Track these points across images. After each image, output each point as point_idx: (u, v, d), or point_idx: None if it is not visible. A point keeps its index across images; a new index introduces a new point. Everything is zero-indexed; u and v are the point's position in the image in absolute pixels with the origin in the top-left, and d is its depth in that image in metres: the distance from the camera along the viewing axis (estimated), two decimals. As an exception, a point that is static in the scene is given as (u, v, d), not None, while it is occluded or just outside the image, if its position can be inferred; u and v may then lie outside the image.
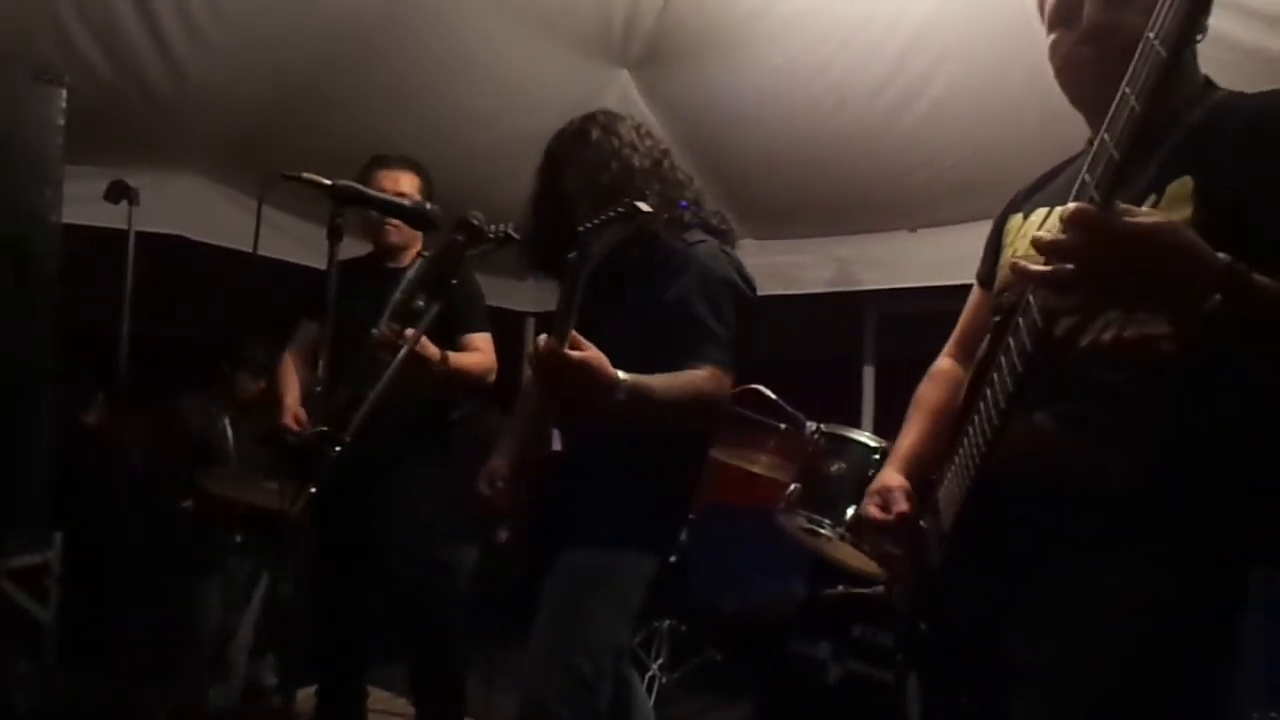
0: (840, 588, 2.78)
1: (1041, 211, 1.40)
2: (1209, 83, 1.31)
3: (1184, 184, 1.17)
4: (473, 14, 3.21)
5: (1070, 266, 0.97)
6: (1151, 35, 0.96)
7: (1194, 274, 0.97)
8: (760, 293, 4.58)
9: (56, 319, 2.57)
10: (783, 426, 3.05)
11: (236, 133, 3.49)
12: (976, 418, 1.28)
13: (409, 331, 2.08)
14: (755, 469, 3.36)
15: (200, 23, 2.93)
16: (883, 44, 3.16)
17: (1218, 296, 0.95)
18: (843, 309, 4.68)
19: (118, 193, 2.83)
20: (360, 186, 1.79)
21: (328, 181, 1.72)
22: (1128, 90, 0.98)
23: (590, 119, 2.04)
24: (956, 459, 1.36)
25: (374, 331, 2.36)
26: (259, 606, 3.42)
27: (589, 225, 1.55)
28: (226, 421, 3.83)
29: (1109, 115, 1.01)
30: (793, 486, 2.83)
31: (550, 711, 1.79)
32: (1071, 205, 0.98)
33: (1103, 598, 1.17)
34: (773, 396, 3.09)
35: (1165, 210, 1.16)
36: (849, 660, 2.71)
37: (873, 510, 1.49)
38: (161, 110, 3.21)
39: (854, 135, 3.54)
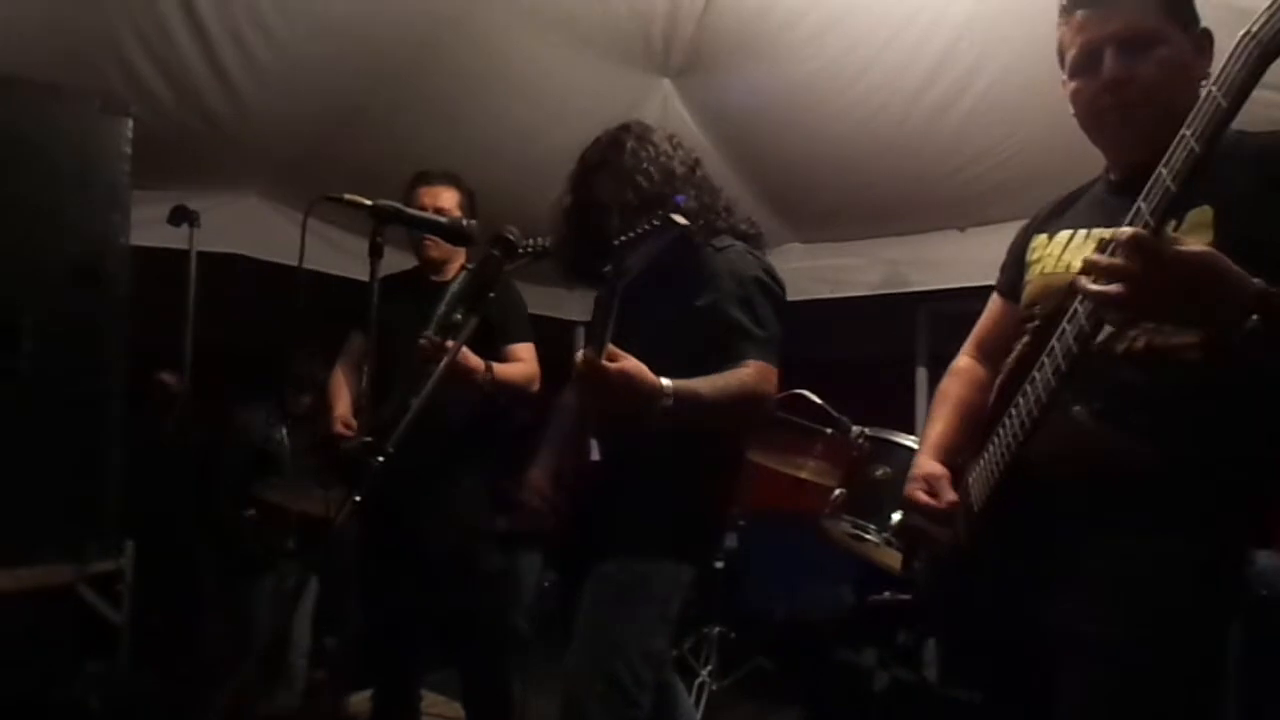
0: (887, 594, 2.76)
1: (1066, 233, 1.51)
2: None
3: (1204, 212, 1.29)
4: (515, 32, 3.28)
5: (1121, 287, 1.10)
6: (1215, 88, 1.10)
7: (1235, 297, 1.10)
8: (808, 296, 4.62)
9: (126, 338, 2.70)
10: (829, 431, 3.05)
11: (291, 155, 3.61)
12: (1014, 411, 1.38)
13: (450, 343, 2.13)
14: (801, 474, 3.36)
15: (255, 50, 3.05)
16: (924, 44, 3.15)
17: (1255, 317, 1.08)
18: (893, 311, 4.64)
19: (180, 216, 2.95)
20: (399, 206, 1.85)
21: (368, 201, 1.78)
22: (1188, 133, 1.12)
23: (624, 129, 2.06)
24: (989, 449, 1.45)
25: (421, 341, 2.42)
26: (312, 611, 3.51)
27: (625, 238, 1.56)
28: (284, 431, 3.95)
29: (1169, 153, 1.15)
30: (838, 491, 2.83)
31: (590, 718, 1.81)
32: (1127, 230, 1.12)
33: (1144, 568, 1.28)
34: (818, 401, 3.08)
35: (1187, 234, 1.26)
36: (895, 667, 2.69)
37: (921, 495, 1.56)
38: (220, 135, 3.35)
39: (898, 136, 3.52)
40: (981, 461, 1.48)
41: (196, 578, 3.54)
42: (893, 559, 2.76)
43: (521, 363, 2.76)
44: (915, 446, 2.71)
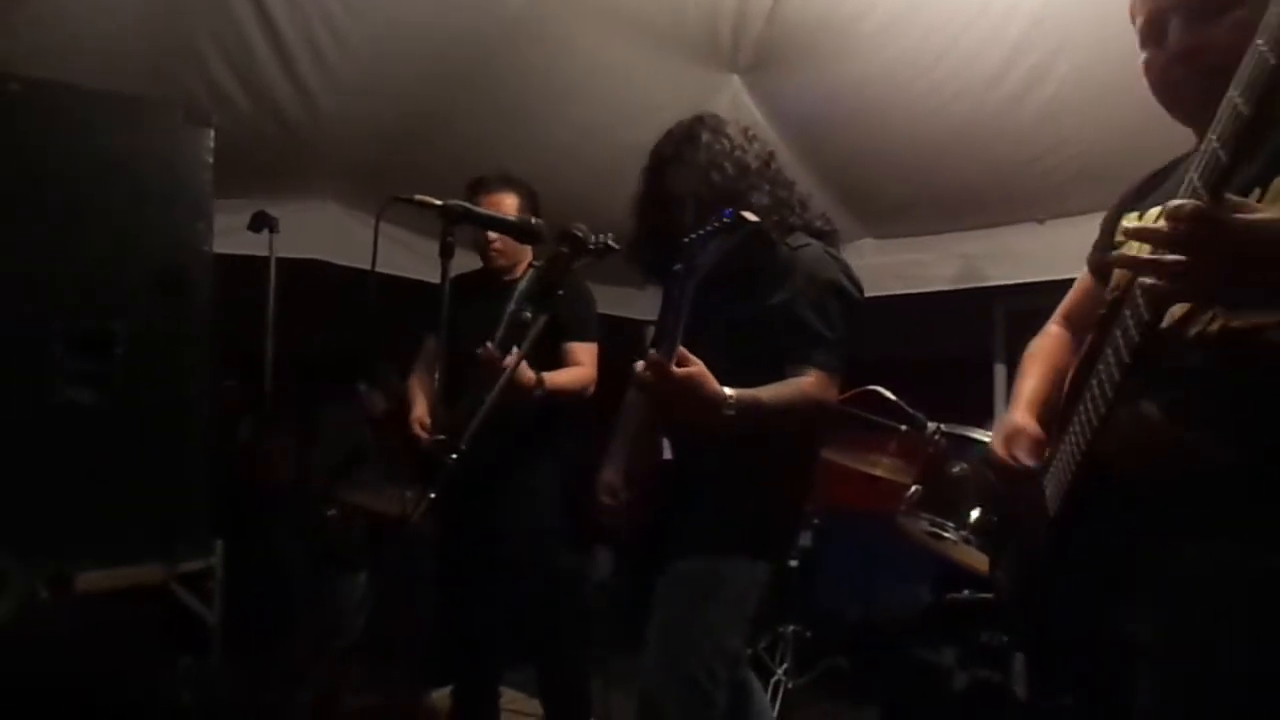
0: (965, 592, 2.70)
1: (1155, 211, 1.39)
2: None
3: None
4: (584, 31, 3.30)
5: (1177, 256, 1.01)
6: (1260, 43, 1.00)
7: None
8: (882, 292, 4.55)
9: (212, 343, 2.79)
10: (903, 428, 2.99)
11: (364, 159, 3.69)
12: (1083, 408, 1.31)
13: (509, 359, 2.17)
14: (876, 472, 3.30)
15: (329, 57, 3.13)
16: (1000, 30, 3.06)
17: None
18: (969, 306, 4.53)
19: (260, 222, 3.04)
20: (467, 205, 1.88)
21: (438, 202, 1.81)
22: (1234, 94, 1.02)
23: (699, 121, 2.04)
24: (1063, 449, 1.37)
25: (477, 352, 2.44)
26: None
27: (695, 235, 1.55)
28: (368, 433, 4.04)
29: (1217, 118, 1.05)
30: (914, 489, 2.78)
31: (667, 717, 1.81)
32: (1175, 200, 1.02)
33: (1222, 575, 1.18)
34: (892, 398, 3.03)
35: (1270, 204, 1.16)
36: (975, 667, 2.63)
37: (1002, 454, 1.49)
38: (297, 142, 3.44)
39: (971, 127, 3.43)
40: (1056, 462, 1.41)
41: (286, 576, 3.64)
42: (970, 557, 2.70)
43: (579, 366, 2.76)
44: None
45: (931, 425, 2.80)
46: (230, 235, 3.06)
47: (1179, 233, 1.01)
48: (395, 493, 3.23)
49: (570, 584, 2.88)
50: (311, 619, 3.70)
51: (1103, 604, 1.31)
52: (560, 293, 1.87)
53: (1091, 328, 1.42)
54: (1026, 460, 1.44)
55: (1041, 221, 3.88)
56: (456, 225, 1.81)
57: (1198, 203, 1.01)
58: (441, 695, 2.98)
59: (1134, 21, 1.41)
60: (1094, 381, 1.28)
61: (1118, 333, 1.22)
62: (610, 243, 1.89)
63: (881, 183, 4.02)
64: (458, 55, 3.27)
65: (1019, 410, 1.56)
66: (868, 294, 4.55)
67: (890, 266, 4.38)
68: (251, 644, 3.49)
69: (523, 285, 2.78)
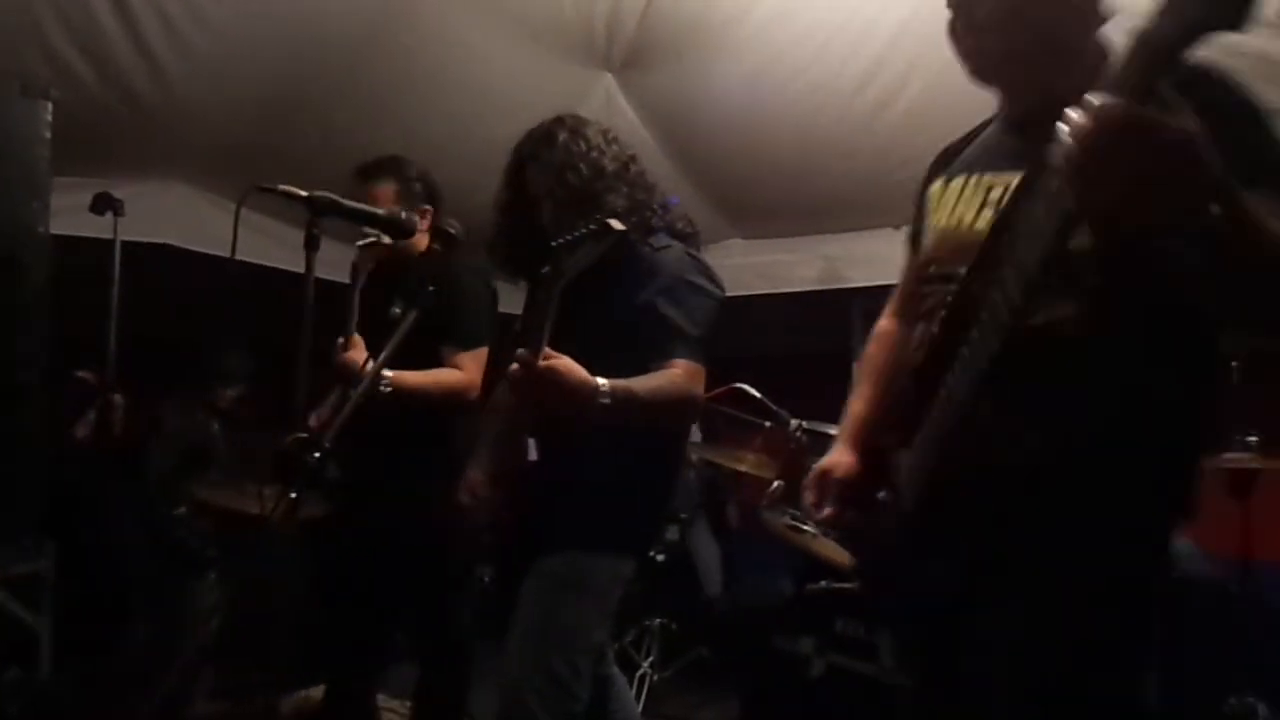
0: (823, 583, 2.81)
1: (960, 180, 1.45)
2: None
3: None
4: (456, 22, 3.24)
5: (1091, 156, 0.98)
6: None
7: (1208, 179, 0.98)
8: (748, 291, 4.65)
9: (47, 330, 2.60)
10: (768, 424, 3.09)
11: (223, 142, 3.52)
12: (944, 394, 1.30)
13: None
14: (742, 467, 3.39)
15: (185, 34, 2.96)
16: (860, 46, 3.20)
17: (1214, 209, 1.00)
18: (830, 306, 4.71)
19: (103, 204, 2.85)
20: (335, 197, 1.81)
21: (303, 193, 1.74)
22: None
23: (558, 122, 2.05)
24: (922, 434, 1.37)
25: (339, 340, 2.36)
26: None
27: (563, 240, 1.57)
28: (217, 425, 3.86)
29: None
30: (776, 484, 2.88)
31: (528, 712, 1.81)
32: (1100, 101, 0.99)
33: (1057, 557, 1.25)
34: (757, 395, 3.13)
35: None
36: (832, 654, 2.75)
37: (809, 499, 1.56)
38: (147, 121, 3.25)
39: (836, 135, 3.57)
40: (915, 449, 1.40)
41: (126, 579, 3.44)
42: (828, 549, 2.82)
43: (450, 370, 2.54)
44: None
45: (794, 422, 2.90)
46: (71, 216, 2.87)
47: (1098, 126, 0.98)
48: (251, 490, 3.10)
49: (449, 587, 2.81)
50: (155, 624, 3.52)
51: (951, 603, 1.36)
52: (431, 289, 1.82)
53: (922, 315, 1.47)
54: (821, 513, 1.53)
55: (898, 228, 4.03)
56: (323, 218, 1.75)
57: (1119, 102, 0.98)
58: (308, 695, 2.89)
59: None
60: (958, 370, 1.28)
61: (982, 319, 1.23)
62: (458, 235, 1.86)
63: (750, 184, 4.12)
64: (326, 39, 3.16)
65: (839, 445, 1.61)
66: (734, 293, 4.63)
67: (757, 266, 4.52)
68: (88, 652, 3.30)
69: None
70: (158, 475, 3.71)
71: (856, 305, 4.87)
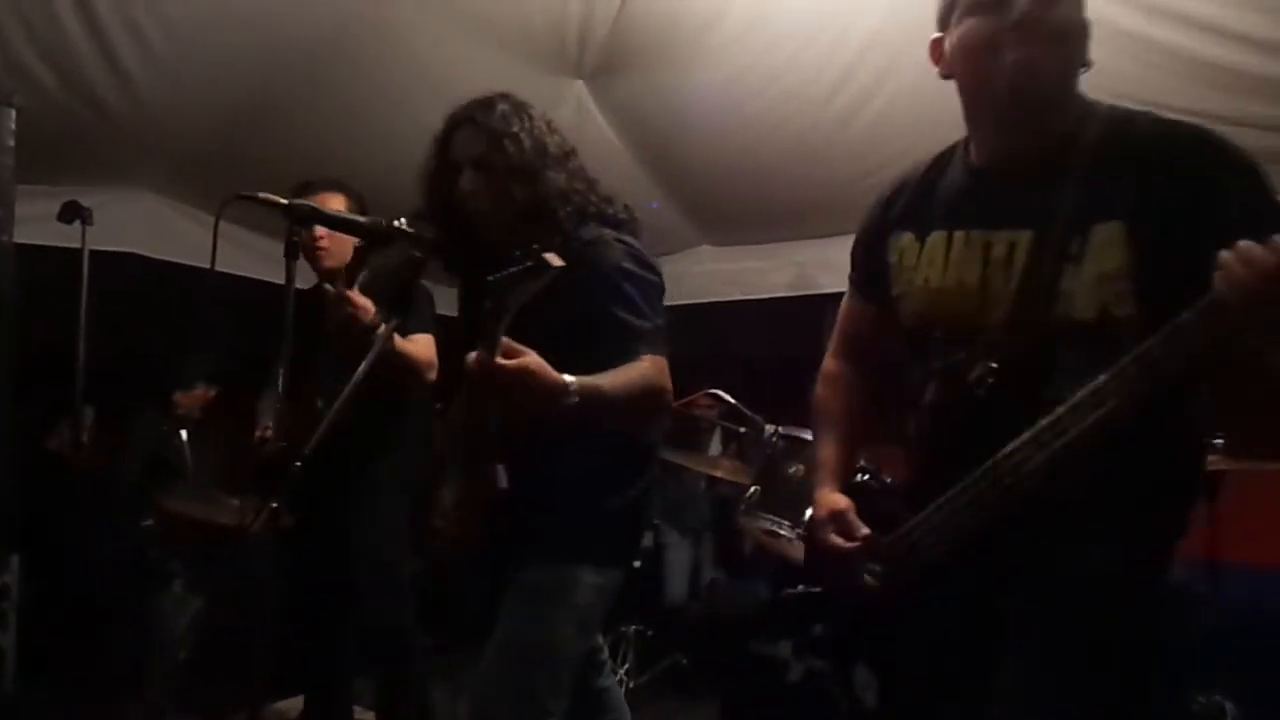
0: (800, 588, 2.82)
1: (940, 236, 1.42)
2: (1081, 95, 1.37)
3: (1112, 228, 1.24)
4: (427, 30, 3.23)
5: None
6: (1089, 395, 1.18)
7: None
8: (721, 298, 4.65)
9: (13, 340, 2.55)
10: (742, 430, 3.10)
11: (192, 151, 3.49)
12: (991, 476, 1.30)
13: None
14: (717, 473, 3.40)
15: (153, 42, 2.93)
16: (832, 55, 3.22)
17: None
18: (803, 312, 4.75)
19: (71, 213, 2.80)
20: (315, 205, 1.80)
21: (283, 201, 1.73)
22: None
23: (499, 94, 1.93)
24: (944, 509, 1.37)
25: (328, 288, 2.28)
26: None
27: (499, 276, 1.46)
28: (184, 436, 3.80)
29: None
30: (752, 489, 2.89)
31: None
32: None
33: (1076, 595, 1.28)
34: (732, 401, 3.14)
35: (1097, 251, 1.25)
36: (809, 658, 2.76)
37: (835, 539, 1.49)
38: (115, 129, 3.21)
39: (807, 143, 3.60)
40: (935, 519, 1.39)
41: (90, 592, 3.38)
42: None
43: (421, 344, 2.60)
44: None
45: (770, 428, 2.91)
46: (38, 224, 2.82)
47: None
48: (222, 500, 3.06)
49: (406, 590, 2.79)
50: (122, 637, 3.46)
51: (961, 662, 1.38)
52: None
53: (875, 348, 1.54)
54: (849, 545, 1.48)
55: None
56: (302, 225, 1.73)
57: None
58: (288, 705, 2.86)
59: (948, 7, 1.38)
60: (1015, 456, 1.27)
61: (1063, 415, 1.23)
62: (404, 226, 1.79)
63: (721, 192, 4.14)
64: (294, 47, 3.13)
65: (825, 488, 1.58)
66: (706, 300, 4.66)
67: (729, 273, 4.55)
68: (54, 666, 3.24)
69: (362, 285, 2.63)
70: (124, 487, 3.64)
71: (829, 311, 4.91)
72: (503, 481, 1.89)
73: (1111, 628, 1.28)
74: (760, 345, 4.92)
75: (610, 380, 1.68)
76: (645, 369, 1.75)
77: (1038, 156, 1.33)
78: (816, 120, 3.46)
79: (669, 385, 1.81)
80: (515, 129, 1.83)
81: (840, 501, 1.53)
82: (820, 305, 4.76)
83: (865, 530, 1.48)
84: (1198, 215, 1.20)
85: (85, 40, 2.86)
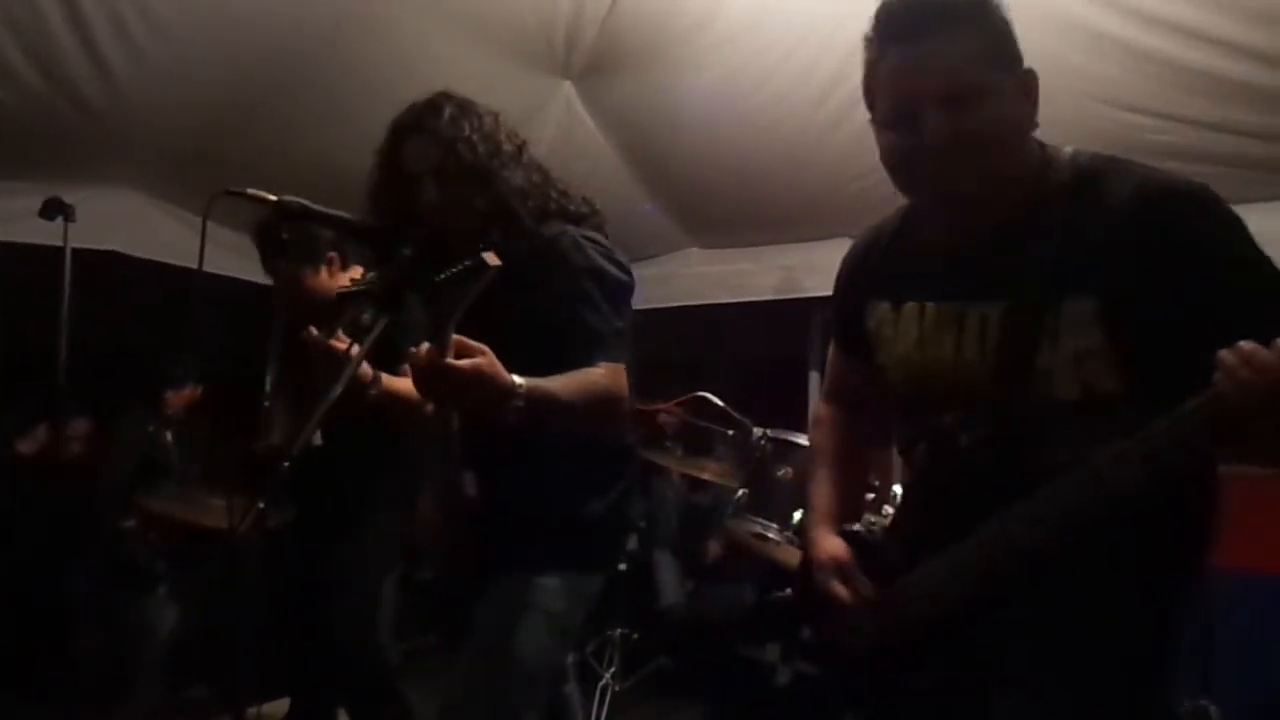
0: (788, 591, 2.82)
1: (914, 306, 1.39)
2: (1043, 147, 1.31)
3: (1083, 304, 1.21)
4: (415, 29, 3.21)
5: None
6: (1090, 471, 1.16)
7: None
8: (708, 301, 4.65)
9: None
10: (730, 433, 3.10)
11: (177, 149, 3.45)
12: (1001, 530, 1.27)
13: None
14: (704, 475, 3.40)
15: (137, 37, 2.90)
16: (821, 57, 3.22)
17: None
18: (789, 315, 4.77)
19: (53, 209, 2.76)
20: (305, 202, 1.76)
21: (272, 197, 1.70)
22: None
23: (442, 95, 1.85)
24: (939, 568, 1.36)
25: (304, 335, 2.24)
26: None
27: (440, 279, 1.41)
28: (170, 437, 3.76)
29: None
30: (741, 492, 2.88)
31: None
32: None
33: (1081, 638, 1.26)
34: (720, 403, 3.13)
35: (1070, 327, 1.21)
36: (798, 661, 2.75)
37: (837, 588, 1.46)
38: (98, 125, 3.17)
39: (796, 146, 3.60)
40: (921, 584, 1.37)
41: (69, 594, 3.34)
42: (793, 557, 2.83)
43: None
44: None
45: (758, 431, 2.91)
46: (18, 222, 2.78)
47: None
48: (208, 501, 3.03)
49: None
50: (104, 639, 3.42)
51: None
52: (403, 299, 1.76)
53: (861, 400, 1.54)
54: (850, 598, 1.45)
55: (854, 238, 4.11)
56: (292, 223, 1.71)
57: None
58: (274, 707, 2.84)
59: (869, 95, 1.34)
60: (1014, 527, 1.25)
61: (1071, 491, 1.20)
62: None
63: (710, 194, 4.14)
64: (281, 45, 3.11)
65: (822, 530, 1.55)
66: (694, 302, 4.65)
67: (716, 275, 4.55)
68: (35, 668, 3.20)
69: (361, 287, 2.59)
70: (108, 488, 3.60)
71: (816, 314, 4.94)
72: (470, 489, 1.86)
73: (1117, 667, 1.26)
74: (748, 348, 4.94)
75: (563, 384, 1.63)
76: (600, 376, 1.70)
77: (991, 233, 1.30)
78: (806, 123, 3.47)
79: (625, 392, 1.75)
80: (466, 131, 1.77)
81: (840, 549, 1.50)
82: (807, 308, 4.79)
83: (867, 584, 1.44)
84: (1178, 280, 1.17)
85: (68, 34, 2.82)
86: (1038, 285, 1.24)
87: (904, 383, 1.43)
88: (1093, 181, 1.25)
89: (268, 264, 2.63)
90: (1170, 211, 1.20)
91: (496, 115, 1.87)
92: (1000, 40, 1.25)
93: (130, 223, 3.64)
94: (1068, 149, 1.30)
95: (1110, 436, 1.17)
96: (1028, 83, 1.26)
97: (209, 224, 3.49)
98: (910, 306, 1.40)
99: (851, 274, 1.54)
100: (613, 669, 3.73)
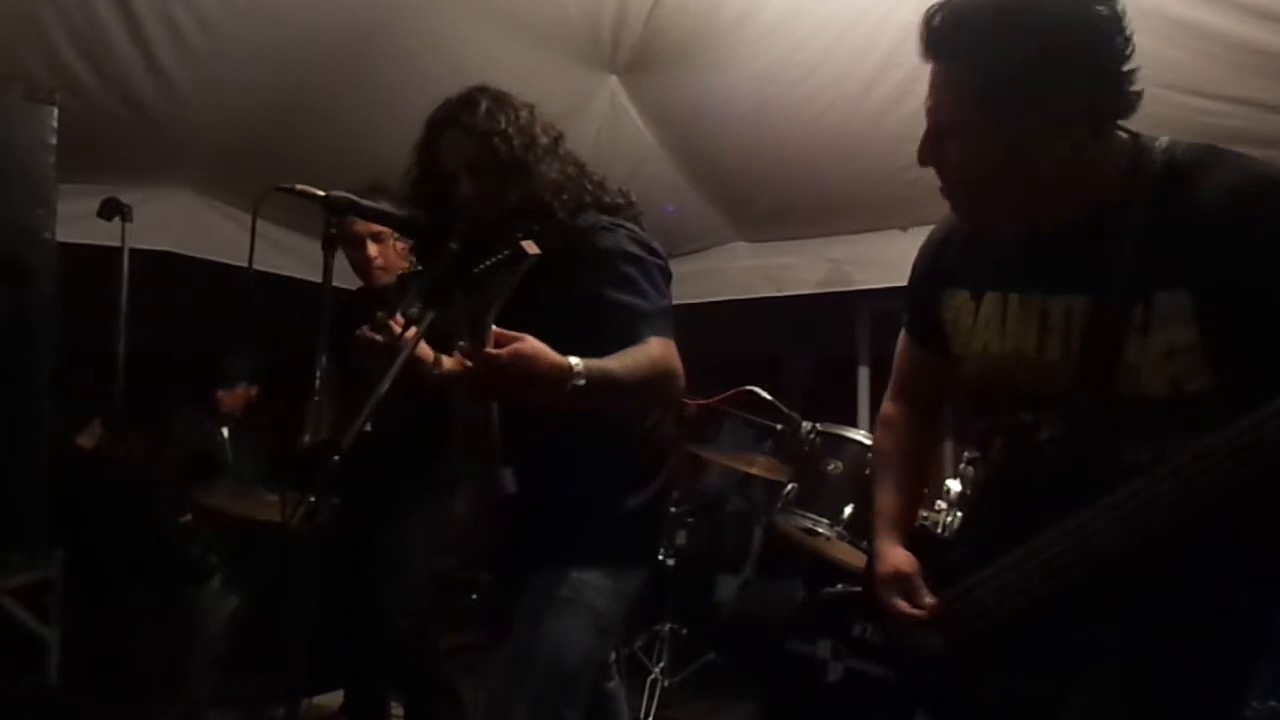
0: (839, 586, 2.78)
1: (995, 298, 1.36)
2: (1136, 138, 1.26)
3: (1178, 298, 1.17)
4: (463, 25, 3.23)
5: None
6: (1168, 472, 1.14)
7: None
8: (754, 295, 4.62)
9: (53, 337, 2.58)
10: (779, 427, 3.07)
11: (229, 147, 3.51)
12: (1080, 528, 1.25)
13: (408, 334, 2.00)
14: (753, 470, 3.37)
15: (190, 39, 2.95)
16: (869, 45, 3.17)
17: None
18: (837, 309, 4.72)
19: (111, 210, 2.83)
20: (353, 197, 1.78)
21: (321, 192, 1.72)
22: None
23: (478, 89, 1.85)
24: (1007, 572, 1.33)
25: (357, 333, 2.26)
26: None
27: (481, 268, 1.44)
28: (225, 434, 3.84)
29: None
30: (790, 486, 2.85)
31: None
32: None
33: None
34: (768, 398, 3.10)
35: (1164, 322, 1.18)
36: (849, 658, 2.71)
37: (900, 605, 1.44)
38: (153, 127, 3.24)
39: (843, 136, 3.56)
40: (995, 580, 1.35)
41: (131, 587, 3.42)
42: (844, 552, 2.80)
43: None
44: (866, 440, 2.78)
45: (807, 424, 2.88)
46: (79, 223, 2.85)
47: None
48: (260, 495, 3.08)
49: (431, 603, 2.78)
50: (162, 632, 3.50)
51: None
52: (451, 294, 1.76)
53: (937, 396, 1.52)
54: (916, 611, 1.42)
55: (904, 229, 4.05)
56: (341, 217, 1.72)
57: None
58: (327, 700, 2.88)
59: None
60: (1087, 527, 1.23)
61: (1140, 500, 1.18)
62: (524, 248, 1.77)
63: (755, 187, 4.11)
64: (330, 43, 3.14)
65: (886, 541, 1.52)
66: (740, 296, 4.60)
67: (762, 269, 4.52)
68: (97, 661, 3.28)
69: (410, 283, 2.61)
70: (164, 483, 3.69)
71: (864, 308, 4.88)
72: (510, 486, 1.85)
73: (1196, 664, 1.23)
74: (794, 342, 4.90)
75: (619, 362, 1.62)
76: (654, 351, 1.69)
77: (1074, 224, 1.26)
78: (852, 114, 3.42)
79: (679, 367, 1.74)
80: (501, 125, 1.78)
81: (904, 562, 1.47)
82: (853, 301, 4.74)
83: (930, 599, 1.41)
84: (1274, 275, 1.14)
85: (124, 38, 2.88)
86: (1126, 277, 1.20)
87: (982, 375, 1.40)
88: (1186, 173, 1.20)
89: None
90: (1268, 204, 1.15)
91: (532, 108, 1.87)
92: (996, 78, 1.20)
93: (185, 222, 3.72)
94: (1163, 139, 1.25)
95: (1194, 435, 1.14)
96: (1029, 130, 1.20)
97: (260, 222, 3.58)
98: (992, 296, 1.36)
99: (930, 261, 1.49)
100: (662, 664, 3.72)
